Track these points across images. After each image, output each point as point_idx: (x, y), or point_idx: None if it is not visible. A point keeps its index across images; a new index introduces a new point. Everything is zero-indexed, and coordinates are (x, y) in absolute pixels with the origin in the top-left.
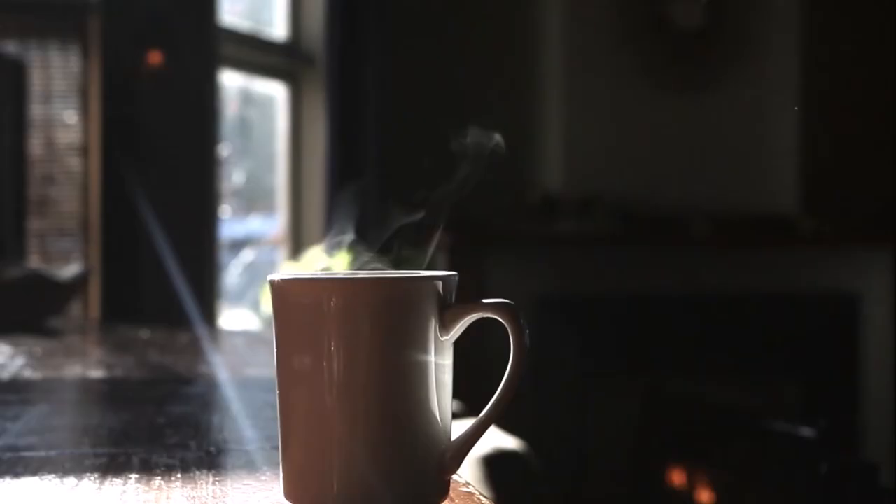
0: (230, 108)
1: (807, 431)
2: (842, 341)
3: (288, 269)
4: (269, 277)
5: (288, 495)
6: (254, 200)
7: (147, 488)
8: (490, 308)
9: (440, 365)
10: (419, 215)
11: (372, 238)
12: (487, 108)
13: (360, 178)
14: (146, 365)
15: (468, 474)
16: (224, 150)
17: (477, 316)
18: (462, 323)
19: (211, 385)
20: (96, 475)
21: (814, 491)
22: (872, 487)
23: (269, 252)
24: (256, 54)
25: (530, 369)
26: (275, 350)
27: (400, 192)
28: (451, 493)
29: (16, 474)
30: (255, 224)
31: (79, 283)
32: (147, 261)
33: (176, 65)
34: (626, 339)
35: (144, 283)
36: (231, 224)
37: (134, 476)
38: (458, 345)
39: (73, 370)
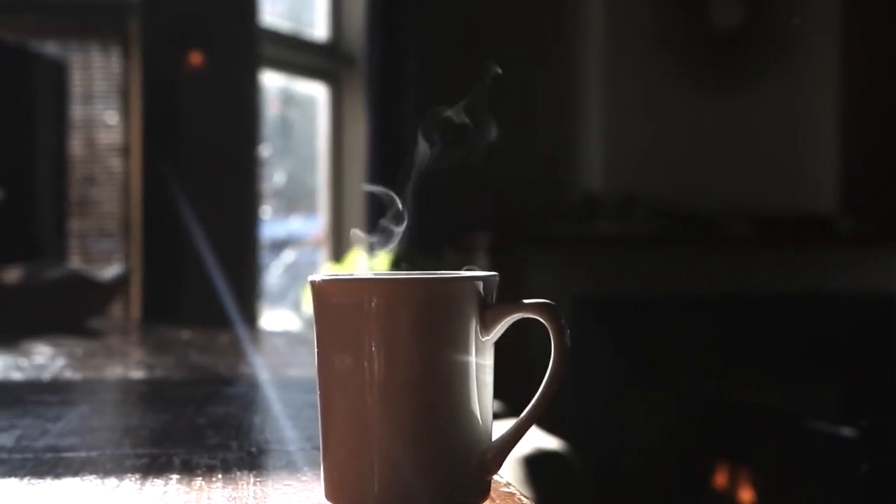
0: (271, 108)
1: (847, 431)
2: (882, 341)
3: (328, 270)
4: (310, 278)
5: (329, 496)
6: (295, 201)
7: (188, 489)
8: (531, 308)
9: (481, 365)
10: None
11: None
12: (528, 108)
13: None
14: (187, 365)
15: (509, 474)
16: (265, 150)
17: (518, 316)
18: (503, 323)
19: (252, 385)
20: (137, 476)
21: (855, 490)
22: None
23: (310, 252)
24: (297, 55)
25: (570, 370)
26: (315, 350)
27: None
28: (492, 494)
29: (57, 475)
30: (296, 224)
31: (119, 284)
32: (188, 261)
33: (217, 65)
34: (664, 339)
35: (185, 284)
36: (272, 224)
37: (175, 477)
38: (499, 345)
39: (114, 371)
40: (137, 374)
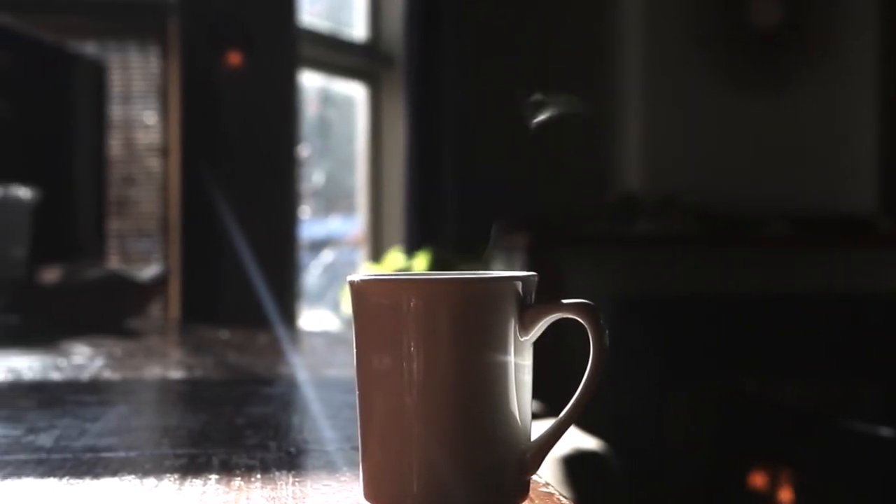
0: (310, 108)
1: (886, 432)
2: None
3: (367, 270)
4: (349, 278)
5: (367, 496)
6: (333, 201)
7: (227, 489)
8: (570, 308)
9: (520, 365)
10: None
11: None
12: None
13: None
14: (225, 366)
15: (548, 474)
16: (304, 150)
17: (556, 316)
18: (541, 323)
19: (291, 386)
20: (176, 476)
21: (893, 490)
22: None
23: (349, 252)
24: (336, 55)
25: (609, 370)
26: (354, 350)
27: (479, 192)
28: (531, 494)
29: (96, 475)
30: (334, 224)
31: (158, 284)
32: (227, 261)
33: (255, 65)
34: (703, 339)
35: (224, 284)
36: (311, 224)
37: (214, 477)
38: (538, 345)
39: (153, 371)
40: (176, 374)
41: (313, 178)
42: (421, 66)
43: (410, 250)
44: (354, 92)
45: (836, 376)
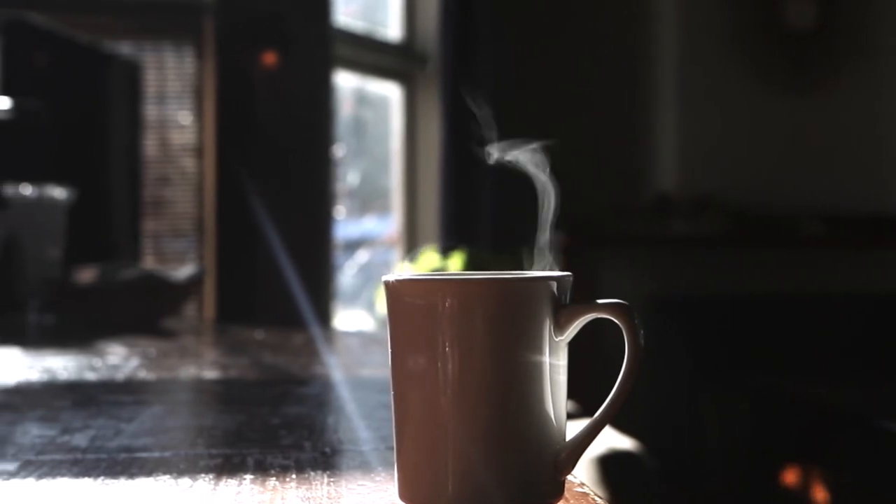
0: (345, 108)
1: None
2: None
3: (403, 270)
4: (384, 278)
5: (402, 496)
6: (368, 201)
7: (262, 489)
8: (605, 308)
9: (555, 365)
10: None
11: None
12: (601, 108)
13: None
14: (260, 366)
15: (583, 474)
16: (339, 150)
17: (591, 316)
18: (576, 323)
19: (325, 386)
20: (211, 476)
21: None
22: None
23: (384, 252)
24: (371, 55)
25: (644, 370)
26: (389, 351)
27: (514, 192)
28: (566, 494)
29: (131, 475)
30: (369, 224)
31: (193, 284)
32: (262, 261)
33: (291, 65)
34: (738, 339)
35: (259, 284)
36: (346, 224)
37: (249, 477)
38: (573, 345)
39: (188, 371)
40: (211, 374)
41: (348, 178)
42: (456, 66)
43: (445, 250)
44: (389, 92)
45: (872, 376)
